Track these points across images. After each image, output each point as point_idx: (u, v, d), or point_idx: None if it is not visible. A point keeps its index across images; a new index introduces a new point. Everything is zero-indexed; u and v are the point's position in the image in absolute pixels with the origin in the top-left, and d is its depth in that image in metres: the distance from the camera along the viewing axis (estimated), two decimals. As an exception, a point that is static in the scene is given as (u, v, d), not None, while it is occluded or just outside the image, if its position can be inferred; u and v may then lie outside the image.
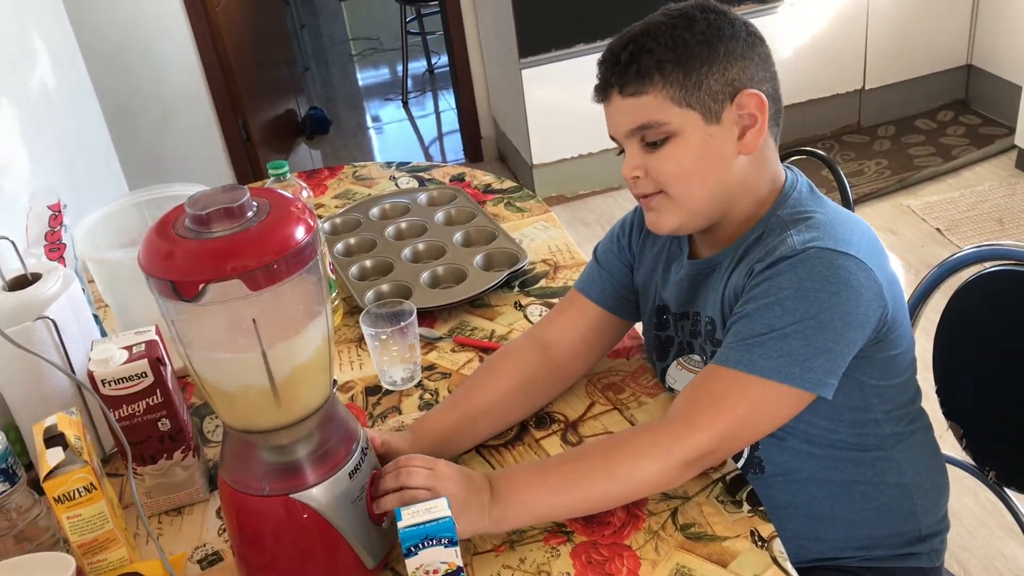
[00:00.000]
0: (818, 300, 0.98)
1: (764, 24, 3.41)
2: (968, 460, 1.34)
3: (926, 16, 3.64)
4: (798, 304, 0.98)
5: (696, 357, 1.20)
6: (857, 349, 1.02)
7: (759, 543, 1.00)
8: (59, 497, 0.97)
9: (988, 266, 1.26)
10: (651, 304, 1.25)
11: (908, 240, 3.06)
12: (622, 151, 1.12)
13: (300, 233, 0.85)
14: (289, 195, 0.92)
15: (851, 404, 1.10)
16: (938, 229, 3.07)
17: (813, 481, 1.14)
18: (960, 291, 1.31)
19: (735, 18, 1.08)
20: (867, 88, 3.75)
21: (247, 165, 3.86)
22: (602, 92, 1.10)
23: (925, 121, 3.79)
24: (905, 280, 2.64)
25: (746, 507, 1.05)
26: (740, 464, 1.15)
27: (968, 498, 2.00)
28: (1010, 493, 1.31)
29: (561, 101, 3.44)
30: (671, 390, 1.25)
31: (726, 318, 1.08)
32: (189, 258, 0.83)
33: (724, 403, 1.00)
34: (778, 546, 0.99)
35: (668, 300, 1.22)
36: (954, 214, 3.13)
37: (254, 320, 0.84)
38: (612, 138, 1.13)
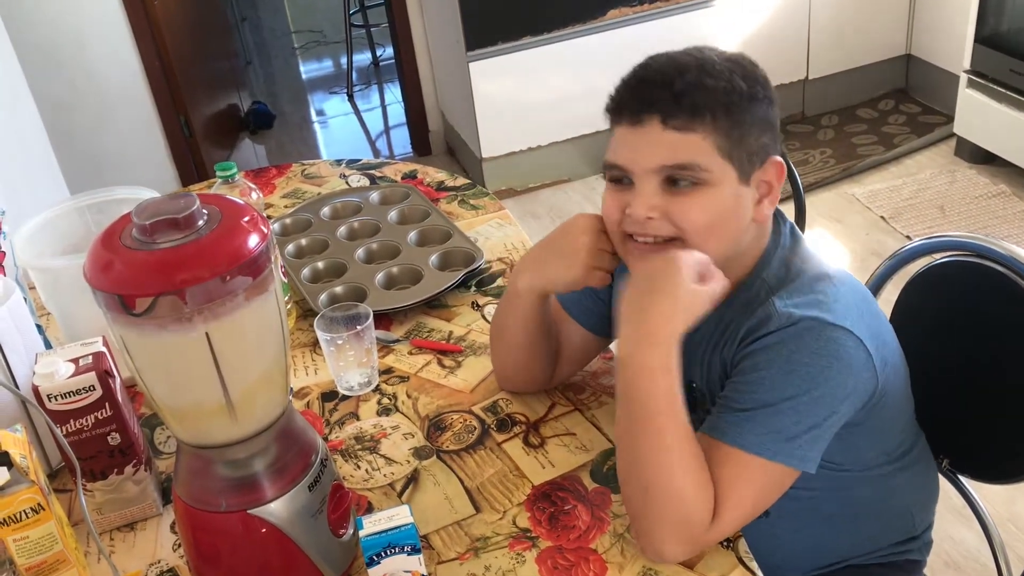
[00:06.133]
0: (809, 375, 0.94)
1: (703, 18, 3.48)
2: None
3: (866, 6, 3.69)
4: (790, 379, 0.94)
5: None
6: (845, 420, 0.98)
7: (725, 544, 1.00)
8: (4, 520, 0.94)
9: (938, 257, 1.28)
10: None
11: (853, 228, 3.10)
12: (617, 180, 1.01)
13: (253, 242, 0.82)
14: (240, 200, 0.89)
15: (846, 459, 1.08)
16: (882, 217, 3.12)
17: (818, 516, 1.15)
18: (911, 282, 1.32)
19: (768, 79, 1.01)
20: (810, 78, 3.79)
21: (190, 162, 3.77)
22: (634, 115, 0.97)
23: (867, 110, 3.84)
24: (850, 267, 2.68)
25: (710, 506, 1.05)
26: None
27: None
28: (963, 480, 1.34)
29: (509, 94, 3.41)
30: None
31: (715, 392, 1.03)
32: (137, 271, 0.80)
33: (737, 492, 0.94)
34: (743, 546, 0.99)
35: None
36: (897, 202, 3.18)
37: (207, 333, 0.82)
38: (614, 165, 1.01)
